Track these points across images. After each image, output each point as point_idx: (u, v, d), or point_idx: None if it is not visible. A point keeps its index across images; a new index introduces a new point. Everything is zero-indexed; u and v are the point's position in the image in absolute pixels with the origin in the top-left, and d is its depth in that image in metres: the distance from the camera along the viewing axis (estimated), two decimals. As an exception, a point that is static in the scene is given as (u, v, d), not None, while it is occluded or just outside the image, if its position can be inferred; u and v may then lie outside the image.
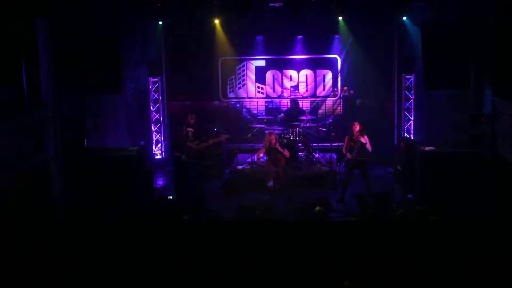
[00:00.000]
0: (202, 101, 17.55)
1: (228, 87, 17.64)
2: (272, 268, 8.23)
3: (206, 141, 14.02)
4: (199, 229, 8.88)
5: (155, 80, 16.74)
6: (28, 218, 9.03)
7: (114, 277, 8.06)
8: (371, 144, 13.11)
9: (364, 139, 12.98)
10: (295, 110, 16.15)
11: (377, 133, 16.00)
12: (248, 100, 17.65)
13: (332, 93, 17.51)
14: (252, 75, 17.55)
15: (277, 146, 13.77)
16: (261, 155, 14.55)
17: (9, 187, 9.64)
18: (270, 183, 13.46)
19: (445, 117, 14.72)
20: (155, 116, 16.89)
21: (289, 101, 16.67)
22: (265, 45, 17.26)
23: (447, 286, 7.77)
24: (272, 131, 14.69)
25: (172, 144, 15.18)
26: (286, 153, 14.00)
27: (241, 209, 12.34)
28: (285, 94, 17.49)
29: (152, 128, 16.89)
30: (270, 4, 15.33)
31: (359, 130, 13.03)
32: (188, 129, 14.11)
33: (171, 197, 12.97)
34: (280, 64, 17.52)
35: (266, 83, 17.55)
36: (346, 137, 13.34)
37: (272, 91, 17.58)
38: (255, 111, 17.60)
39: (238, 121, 17.37)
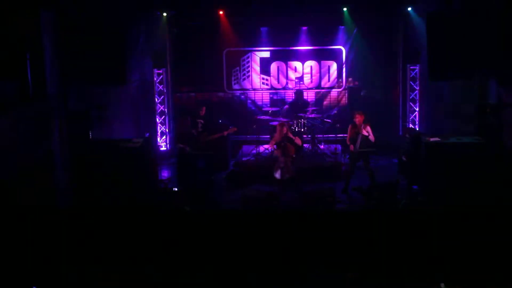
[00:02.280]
0: (206, 92, 17.59)
1: (232, 78, 17.64)
2: (277, 259, 8.24)
3: (215, 133, 14.20)
4: (203, 220, 8.90)
5: (160, 71, 16.75)
6: (33, 210, 9.07)
7: (116, 267, 8.09)
8: (374, 135, 13.08)
9: (366, 131, 12.95)
10: (299, 101, 16.14)
11: (382, 124, 16.03)
12: (253, 91, 17.64)
13: (337, 84, 17.49)
14: (256, 67, 17.54)
15: (289, 134, 13.64)
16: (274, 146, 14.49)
17: (14, 179, 9.67)
18: (278, 174, 13.42)
19: (450, 108, 14.68)
20: (160, 107, 16.90)
21: (293, 93, 16.67)
22: (270, 36, 17.24)
23: (450, 276, 7.77)
24: (284, 122, 14.60)
25: (176, 136, 15.24)
26: (298, 140, 13.92)
27: (245, 201, 12.36)
28: (289, 86, 17.48)
29: (157, 120, 16.91)
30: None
31: (363, 121, 13.00)
32: (198, 120, 14.23)
33: (175, 189, 13.00)
34: (284, 55, 17.49)
35: (271, 74, 17.53)
36: (349, 127, 13.31)
37: (276, 82, 17.57)
38: (260, 103, 17.60)
39: (243, 113, 17.37)
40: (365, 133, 12.95)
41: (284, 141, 13.40)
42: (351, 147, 13.20)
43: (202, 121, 14.52)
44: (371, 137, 12.99)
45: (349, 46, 17.20)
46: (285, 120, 15.26)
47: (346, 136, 13.67)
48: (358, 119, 13.06)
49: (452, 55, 12.02)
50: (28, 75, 10.49)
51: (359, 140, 13.05)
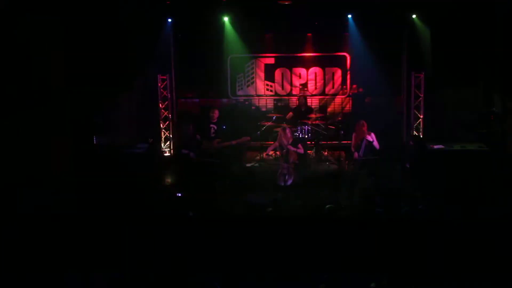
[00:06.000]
0: (211, 98, 17.57)
1: (237, 84, 17.64)
2: (280, 264, 8.24)
3: (229, 140, 14.16)
4: (206, 225, 8.90)
5: (164, 77, 16.74)
6: (36, 215, 9.08)
7: (121, 272, 8.10)
8: (379, 142, 13.08)
9: (371, 137, 12.95)
10: (303, 108, 16.13)
11: (386, 131, 16.00)
12: (257, 97, 17.64)
13: (341, 91, 17.48)
14: (261, 73, 17.54)
15: (290, 147, 13.68)
16: (271, 152, 14.49)
17: (17, 184, 9.69)
18: (280, 180, 13.42)
19: (455, 115, 14.66)
20: (164, 113, 16.90)
21: (297, 99, 16.66)
22: (274, 43, 17.24)
23: (454, 283, 7.76)
24: (285, 126, 14.59)
25: (180, 142, 15.23)
26: (301, 150, 13.94)
27: (249, 206, 12.34)
28: (294, 92, 17.47)
29: (161, 125, 16.90)
30: (279, 2, 15.36)
31: (366, 129, 13.00)
32: (211, 125, 14.19)
33: (179, 194, 12.99)
34: (289, 62, 17.49)
35: (275, 80, 17.53)
36: (353, 136, 13.32)
37: (281, 88, 17.57)
38: (264, 109, 17.59)
39: (247, 119, 17.34)
40: (369, 138, 12.94)
41: (286, 147, 13.41)
42: (355, 154, 13.19)
43: (215, 126, 14.46)
44: (376, 144, 12.98)
45: (354, 53, 17.20)
46: (288, 127, 15.25)
47: (350, 143, 13.66)
48: (362, 127, 13.04)
49: (456, 63, 12.04)
50: (33, 79, 10.54)
51: (363, 147, 13.04)
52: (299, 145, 13.93)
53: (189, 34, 16.80)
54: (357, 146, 13.17)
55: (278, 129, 14.56)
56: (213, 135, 14.44)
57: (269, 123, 15.96)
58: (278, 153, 14.29)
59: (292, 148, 13.68)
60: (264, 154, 14.51)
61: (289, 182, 13.32)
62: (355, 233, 8.47)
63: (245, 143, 15.29)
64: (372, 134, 13.01)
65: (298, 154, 13.87)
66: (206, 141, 13.99)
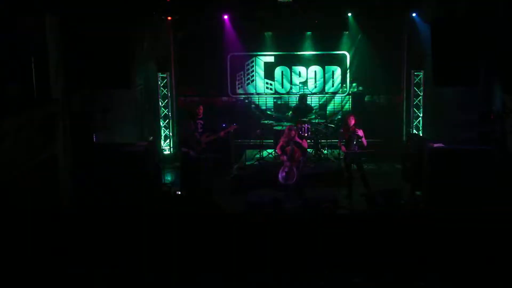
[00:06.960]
0: (210, 96, 17.58)
1: (237, 83, 17.66)
2: (279, 263, 8.25)
3: (216, 133, 14.12)
4: (205, 223, 8.91)
5: (164, 75, 16.78)
6: (37, 212, 9.09)
7: (120, 270, 8.11)
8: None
9: (361, 133, 12.93)
10: (303, 106, 16.13)
11: (386, 130, 16.04)
12: (257, 96, 17.65)
13: (341, 90, 17.49)
14: (260, 71, 17.55)
15: (296, 138, 13.57)
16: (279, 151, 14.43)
17: (18, 182, 9.68)
18: (282, 178, 13.39)
19: (454, 114, 14.67)
20: (164, 111, 16.92)
21: (297, 97, 16.67)
22: (274, 41, 17.26)
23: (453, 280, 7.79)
24: (292, 125, 14.46)
25: (181, 140, 15.23)
26: (305, 143, 13.89)
27: (248, 205, 12.35)
28: (293, 90, 17.48)
29: (161, 124, 16.93)
30: (279, 0, 15.36)
31: (355, 124, 12.98)
32: (198, 121, 14.20)
33: (179, 192, 12.99)
34: (289, 60, 17.51)
35: (275, 79, 17.54)
36: (341, 131, 13.29)
37: (280, 87, 17.58)
38: (263, 107, 17.61)
39: (247, 117, 17.36)
40: (360, 133, 12.91)
41: (291, 145, 13.36)
42: (343, 148, 13.18)
43: (202, 122, 14.48)
44: (364, 141, 12.95)
45: (354, 51, 17.21)
46: (288, 125, 15.23)
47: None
48: (351, 121, 13.01)
49: (456, 61, 12.02)
50: (32, 79, 10.51)
51: (352, 142, 13.01)
52: (304, 140, 13.88)
53: (189, 33, 16.81)
54: (347, 142, 13.10)
55: (277, 127, 14.54)
56: (200, 130, 14.46)
57: (269, 121, 15.95)
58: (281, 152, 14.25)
59: (298, 140, 13.49)
60: (278, 151, 14.26)
61: (290, 181, 13.30)
62: (355, 232, 8.49)
63: (233, 132, 15.27)
64: (361, 130, 12.98)
65: (302, 152, 13.83)
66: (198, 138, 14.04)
